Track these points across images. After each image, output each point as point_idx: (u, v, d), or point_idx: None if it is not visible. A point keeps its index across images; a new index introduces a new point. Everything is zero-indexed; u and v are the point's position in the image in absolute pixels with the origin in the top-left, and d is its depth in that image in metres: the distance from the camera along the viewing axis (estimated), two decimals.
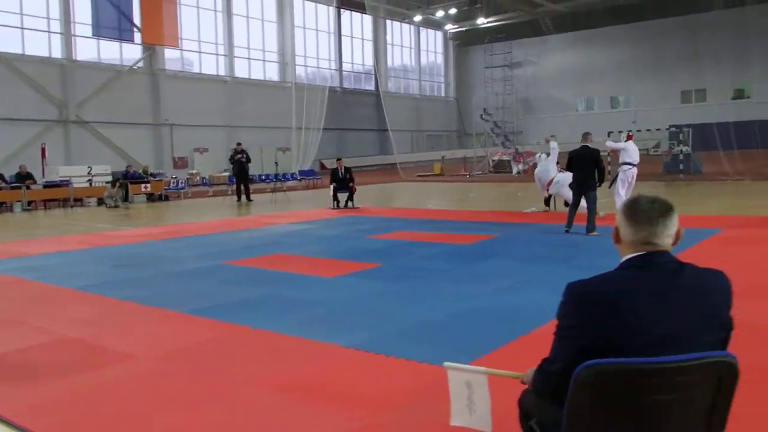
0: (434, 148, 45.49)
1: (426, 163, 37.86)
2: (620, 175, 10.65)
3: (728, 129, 27.30)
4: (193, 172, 22.09)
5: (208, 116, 32.36)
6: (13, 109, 25.40)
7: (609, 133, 22.83)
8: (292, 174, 23.12)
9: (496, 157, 34.67)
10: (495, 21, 46.02)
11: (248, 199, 17.55)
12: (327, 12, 39.54)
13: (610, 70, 45.98)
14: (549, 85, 48.26)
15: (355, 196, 14.47)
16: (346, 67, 41.80)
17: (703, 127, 30.98)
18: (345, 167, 14.94)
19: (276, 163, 20.62)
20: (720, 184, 18.07)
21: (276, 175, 18.80)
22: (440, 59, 50.93)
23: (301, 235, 9.91)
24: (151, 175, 19.56)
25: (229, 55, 34.00)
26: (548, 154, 12.03)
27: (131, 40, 28.08)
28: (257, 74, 35.88)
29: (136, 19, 27.87)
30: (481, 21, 45.72)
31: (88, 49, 28.24)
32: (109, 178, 18.74)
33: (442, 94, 50.98)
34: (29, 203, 16.66)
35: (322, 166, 37.44)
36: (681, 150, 24.83)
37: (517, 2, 43.01)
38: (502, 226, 10.06)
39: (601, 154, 9.91)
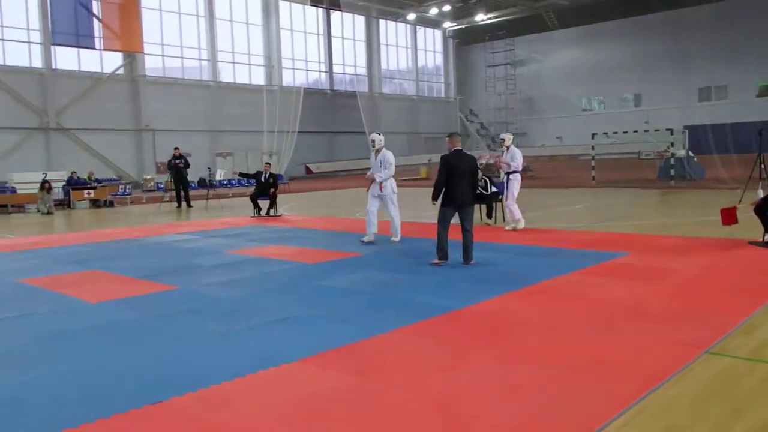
0: (432, 150, 46.54)
1: (415, 167, 38.96)
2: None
3: (746, 129, 25.91)
4: (147, 177, 23.83)
5: (191, 121, 34.21)
6: None
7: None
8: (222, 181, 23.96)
9: (483, 161, 35.57)
10: (495, 17, 46.86)
11: (188, 205, 19.05)
12: (316, 13, 41.10)
13: (619, 66, 46.07)
14: (554, 84, 48.77)
15: (283, 202, 15.37)
16: (337, 69, 43.22)
17: (721, 128, 30.72)
18: (271, 173, 16.11)
19: (209, 168, 22.06)
20: (710, 192, 17.59)
21: (210, 181, 20.23)
22: (439, 58, 51.96)
23: (161, 247, 10.72)
24: (96, 180, 21.22)
25: (212, 60, 35.82)
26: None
27: (92, 47, 30.04)
28: (242, 78, 37.58)
29: (97, 26, 30.06)
30: (481, 17, 46.67)
31: (69, 58, 30.27)
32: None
33: (442, 95, 52.00)
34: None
35: (308, 170, 39.02)
36: (672, 154, 23.01)
37: None
38: (402, 241, 10.15)
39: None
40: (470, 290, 6.67)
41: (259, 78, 38.33)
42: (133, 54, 32.00)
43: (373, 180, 10.09)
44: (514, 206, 11.41)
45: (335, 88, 43.01)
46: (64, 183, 20.68)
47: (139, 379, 4.23)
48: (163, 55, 34.03)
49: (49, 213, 18.44)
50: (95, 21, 30.01)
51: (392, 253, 9.35)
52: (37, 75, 29.40)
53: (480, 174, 13.52)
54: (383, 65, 46.52)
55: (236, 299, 6.61)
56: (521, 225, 11.33)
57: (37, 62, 29.51)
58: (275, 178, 16.19)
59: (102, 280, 7.83)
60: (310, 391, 3.94)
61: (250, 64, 38.15)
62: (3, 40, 28.64)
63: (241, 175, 16.71)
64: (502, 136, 11.88)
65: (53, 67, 29.80)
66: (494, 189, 13.38)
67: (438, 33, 51.24)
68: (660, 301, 5.94)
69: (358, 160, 40.09)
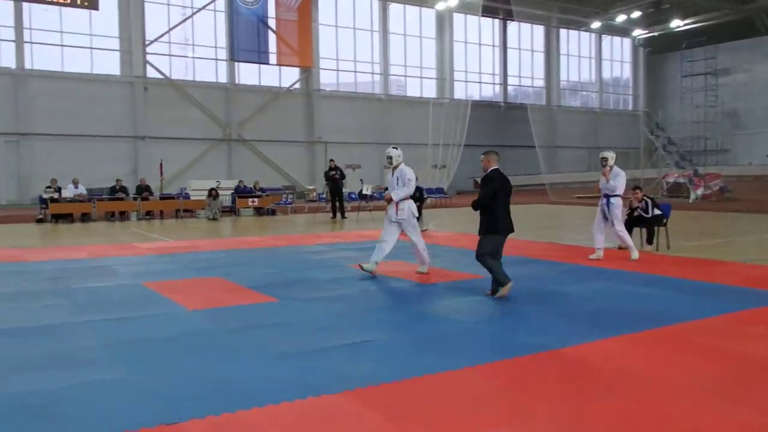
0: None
1: (590, 185, 36.95)
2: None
3: None
4: (309, 188, 24.85)
5: (361, 134, 35.44)
6: (184, 130, 30.56)
7: None
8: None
9: (671, 179, 32.81)
10: (693, 23, 43.16)
11: (342, 216, 19.56)
12: (492, 25, 40.69)
13: None
14: (766, 96, 43.70)
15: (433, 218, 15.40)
16: (512, 81, 42.39)
17: None
18: (417, 186, 16.03)
19: (361, 180, 22.43)
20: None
21: (361, 194, 20.52)
22: (627, 69, 48.91)
23: (289, 257, 10.99)
24: (261, 189, 22.51)
25: (384, 73, 36.79)
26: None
27: (268, 63, 32.38)
28: (413, 91, 38.19)
29: (274, 43, 32.31)
30: (676, 23, 43.25)
31: (251, 73, 32.83)
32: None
33: (629, 107, 48.83)
34: (147, 213, 20.48)
35: (476, 184, 38.55)
36: None
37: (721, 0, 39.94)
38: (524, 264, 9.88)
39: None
40: (584, 328, 5.90)
41: (430, 91, 38.70)
42: (309, 69, 33.86)
43: (389, 200, 8.99)
44: (623, 231, 10.43)
45: (509, 101, 42.17)
46: (232, 191, 22.27)
47: (174, 396, 4.20)
48: (337, 70, 35.63)
49: (214, 219, 19.90)
50: (272, 38, 32.22)
51: (519, 279, 8.68)
52: (223, 90, 32.15)
53: (640, 194, 12.35)
54: (563, 77, 44.79)
55: (324, 317, 6.49)
56: (597, 254, 10.27)
57: (223, 78, 32.29)
58: (422, 191, 16.01)
59: (214, 287, 8.11)
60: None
61: (421, 77, 38.67)
62: (194, 57, 31.74)
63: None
64: (604, 154, 10.58)
65: (236, 82, 32.42)
66: (657, 211, 12.08)
67: (626, 41, 48.30)
68: None
69: (530, 175, 38.89)
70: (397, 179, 8.95)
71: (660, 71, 49.31)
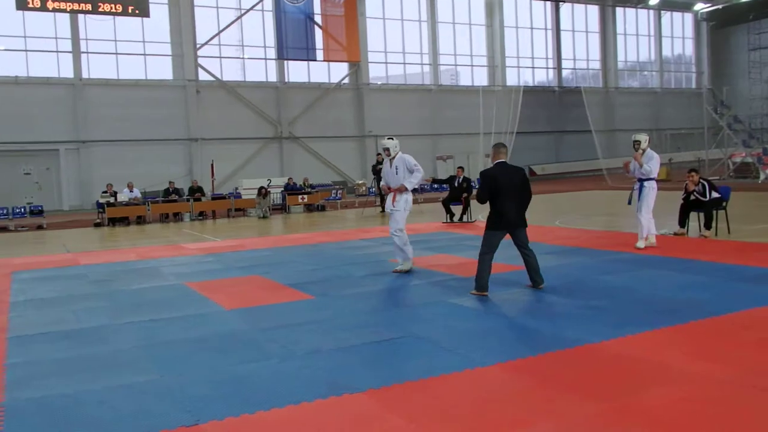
0: (681, 148, 42.39)
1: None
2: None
3: None
4: (359, 182, 24.84)
5: (412, 125, 35.29)
6: (235, 130, 31.11)
7: None
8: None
9: (737, 159, 31.43)
10: None
11: None
12: (543, 7, 39.81)
13: None
14: None
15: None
16: (566, 64, 41.40)
17: None
18: (464, 177, 15.87)
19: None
20: None
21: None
22: (689, 45, 47.02)
23: (330, 254, 10.91)
24: (311, 186, 22.65)
25: (434, 63, 36.50)
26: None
27: (315, 59, 32.61)
28: (464, 80, 37.80)
29: (321, 39, 32.46)
30: None
31: (300, 71, 33.12)
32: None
33: (692, 86, 46.96)
34: (200, 213, 20.90)
35: (532, 173, 37.87)
36: None
37: None
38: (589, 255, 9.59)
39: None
40: (622, 321, 5.66)
41: (481, 79, 38.19)
42: (357, 63, 33.91)
43: (395, 191, 8.68)
44: (648, 219, 9.83)
45: (563, 85, 41.19)
46: (282, 189, 22.52)
47: (198, 397, 4.24)
48: (386, 63, 35.55)
49: (264, 217, 20.16)
50: (319, 34, 32.40)
51: (568, 268, 8.46)
52: (273, 89, 32.54)
53: (697, 177, 11.80)
54: (620, 57, 43.43)
55: (357, 314, 6.48)
56: (650, 241, 9.86)
57: (272, 77, 32.67)
58: (468, 182, 15.85)
59: (253, 286, 8.19)
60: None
61: (472, 66, 38.18)
62: (244, 58, 32.23)
63: (434, 181, 16.66)
64: (637, 136, 10.08)
65: (286, 80, 32.76)
66: (715, 195, 11.54)
67: (687, 16, 46.43)
68: None
69: (588, 161, 37.93)
70: (397, 168, 8.69)
71: (725, 46, 47.21)
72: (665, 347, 4.86)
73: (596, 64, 42.85)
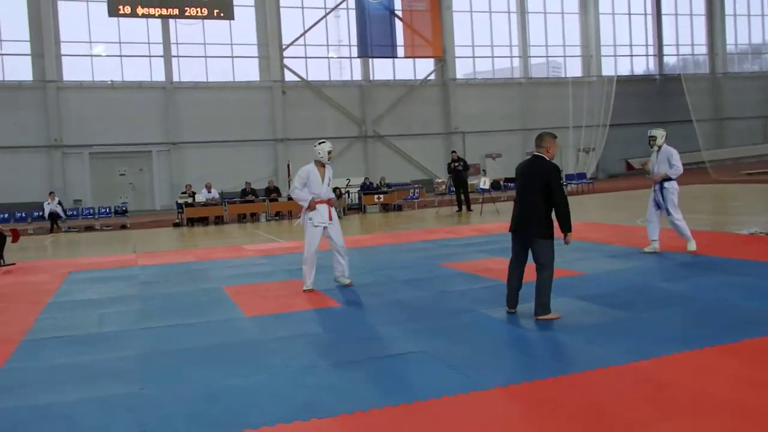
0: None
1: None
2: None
3: None
4: (438, 181, 24.20)
5: (501, 121, 34.36)
6: (320, 130, 31.34)
7: None
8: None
9: None
10: None
11: (468, 208, 18.86)
12: None
13: None
14: None
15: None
16: (668, 50, 38.95)
17: None
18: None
19: (484, 171, 21.33)
20: None
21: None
22: None
23: (380, 256, 10.56)
24: (387, 185, 22.32)
25: (524, 56, 35.32)
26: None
27: (397, 56, 32.35)
28: (556, 72, 36.38)
29: (403, 35, 32.19)
30: None
31: (385, 68, 32.96)
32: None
33: None
34: (276, 213, 21.01)
35: (629, 166, 35.91)
36: None
37: None
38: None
39: None
40: (667, 336, 4.94)
41: (575, 70, 36.58)
42: (443, 59, 33.33)
43: (324, 203, 8.41)
44: (681, 219, 8.91)
45: (665, 73, 38.74)
46: (358, 188, 22.36)
47: (165, 415, 4.00)
48: (473, 57, 34.75)
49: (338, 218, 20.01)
50: (400, 30, 32.09)
51: (628, 272, 7.68)
52: (357, 87, 32.55)
53: None
54: (729, 40, 40.36)
55: (378, 324, 6.08)
56: (691, 246, 8.91)
57: (357, 75, 32.68)
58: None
59: (286, 291, 7.99)
60: None
61: (564, 56, 36.66)
62: (329, 57, 32.44)
63: (506, 180, 15.92)
64: (653, 132, 8.96)
65: (371, 78, 32.67)
66: None
67: None
68: None
69: (690, 153, 35.49)
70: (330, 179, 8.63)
71: None
72: (709, 371, 4.15)
73: (702, 49, 40.07)
